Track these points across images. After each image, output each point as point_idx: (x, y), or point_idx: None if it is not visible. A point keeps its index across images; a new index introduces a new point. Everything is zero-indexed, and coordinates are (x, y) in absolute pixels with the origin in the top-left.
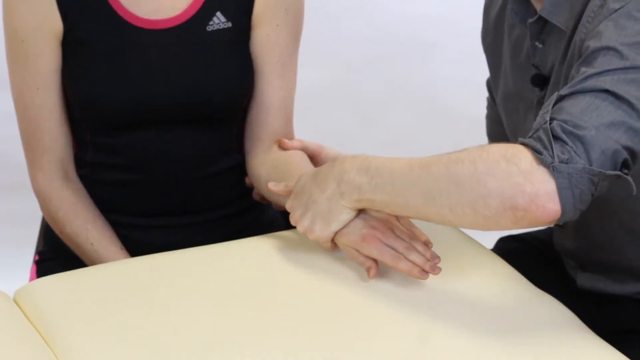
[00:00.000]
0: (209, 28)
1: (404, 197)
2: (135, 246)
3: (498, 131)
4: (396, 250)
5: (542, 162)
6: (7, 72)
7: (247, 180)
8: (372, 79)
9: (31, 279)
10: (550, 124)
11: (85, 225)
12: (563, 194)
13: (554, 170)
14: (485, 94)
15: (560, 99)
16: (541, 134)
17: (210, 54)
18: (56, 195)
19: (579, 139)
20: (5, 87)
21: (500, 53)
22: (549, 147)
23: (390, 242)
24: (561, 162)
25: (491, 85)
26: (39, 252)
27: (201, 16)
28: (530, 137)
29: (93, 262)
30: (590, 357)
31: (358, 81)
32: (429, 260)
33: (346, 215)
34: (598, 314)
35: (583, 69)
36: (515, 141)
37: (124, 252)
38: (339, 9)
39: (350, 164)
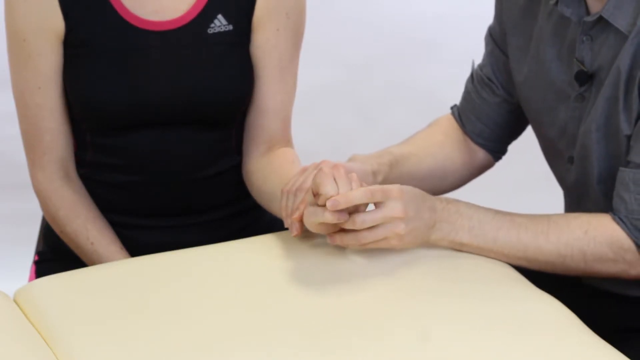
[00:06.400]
0: (210, 30)
1: (504, 255)
2: (135, 246)
3: (469, 110)
4: None
5: None
6: (8, 72)
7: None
8: (372, 79)
9: (30, 280)
10: None
11: (86, 224)
12: None
13: None
14: None
15: None
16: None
17: (211, 56)
18: (56, 194)
19: None
20: (6, 87)
21: (530, 36)
22: None
23: None
24: None
25: (497, 62)
26: (38, 252)
27: (202, 18)
28: (627, 217)
29: (93, 262)
30: (590, 357)
31: (358, 81)
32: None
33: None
34: (598, 314)
35: None
36: (537, 128)
37: (123, 252)
38: (339, 9)
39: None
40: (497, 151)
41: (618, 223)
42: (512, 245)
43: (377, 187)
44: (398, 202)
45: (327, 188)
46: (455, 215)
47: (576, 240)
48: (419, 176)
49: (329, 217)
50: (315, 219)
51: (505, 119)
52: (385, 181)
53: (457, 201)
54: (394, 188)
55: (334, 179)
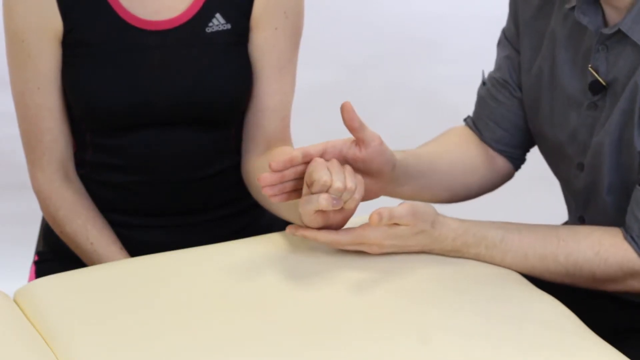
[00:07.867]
0: (209, 29)
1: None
2: (135, 246)
3: (486, 116)
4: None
5: None
6: (8, 72)
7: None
8: (372, 79)
9: (30, 280)
10: None
11: (85, 224)
12: None
13: None
14: None
15: None
16: None
17: (210, 55)
18: (56, 195)
19: None
20: (5, 87)
21: (542, 36)
22: None
23: None
24: None
25: (512, 63)
26: (38, 252)
27: (201, 17)
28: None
29: (93, 262)
30: (590, 357)
31: (358, 81)
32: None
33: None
34: (599, 314)
35: None
36: (541, 129)
37: (123, 252)
38: (339, 9)
39: (462, 239)
40: (516, 158)
41: (630, 243)
42: (519, 266)
43: (360, 238)
44: (375, 244)
45: (321, 173)
46: (463, 249)
47: (586, 262)
48: (441, 170)
49: (324, 203)
50: (311, 206)
51: (526, 120)
52: (405, 165)
53: (466, 232)
54: (376, 245)
55: (327, 168)
